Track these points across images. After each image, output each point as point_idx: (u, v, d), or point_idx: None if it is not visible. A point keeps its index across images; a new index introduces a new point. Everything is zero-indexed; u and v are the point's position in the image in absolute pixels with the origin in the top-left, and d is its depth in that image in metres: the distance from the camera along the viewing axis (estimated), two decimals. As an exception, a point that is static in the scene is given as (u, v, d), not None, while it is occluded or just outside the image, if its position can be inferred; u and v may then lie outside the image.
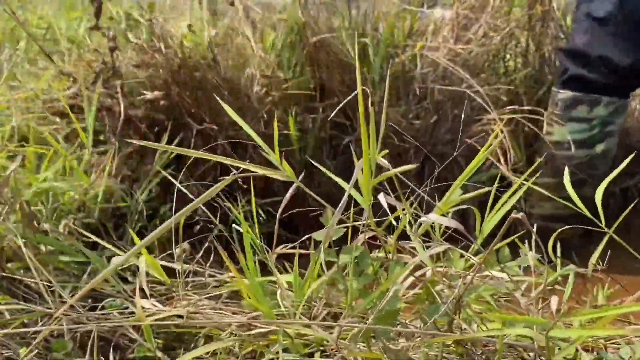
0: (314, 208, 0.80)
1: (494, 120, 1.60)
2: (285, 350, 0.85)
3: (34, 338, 0.95)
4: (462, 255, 0.81)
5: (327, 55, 1.38)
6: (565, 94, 1.53)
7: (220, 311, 0.98)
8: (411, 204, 0.65)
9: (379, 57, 1.45)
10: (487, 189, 0.72)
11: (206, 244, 1.00)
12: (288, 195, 0.80)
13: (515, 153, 1.61)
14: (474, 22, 1.84)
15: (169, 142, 1.27)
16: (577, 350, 0.66)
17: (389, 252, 0.67)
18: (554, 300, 0.56)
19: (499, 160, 1.54)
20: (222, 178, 0.55)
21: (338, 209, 0.57)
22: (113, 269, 0.55)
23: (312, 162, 0.73)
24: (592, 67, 1.49)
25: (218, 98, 0.66)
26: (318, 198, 0.64)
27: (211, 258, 1.04)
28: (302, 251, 0.73)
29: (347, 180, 1.60)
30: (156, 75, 1.28)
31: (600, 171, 1.56)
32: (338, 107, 1.23)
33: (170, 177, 1.07)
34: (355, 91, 0.57)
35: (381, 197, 0.60)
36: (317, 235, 0.64)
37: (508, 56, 1.88)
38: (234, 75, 1.34)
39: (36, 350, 0.88)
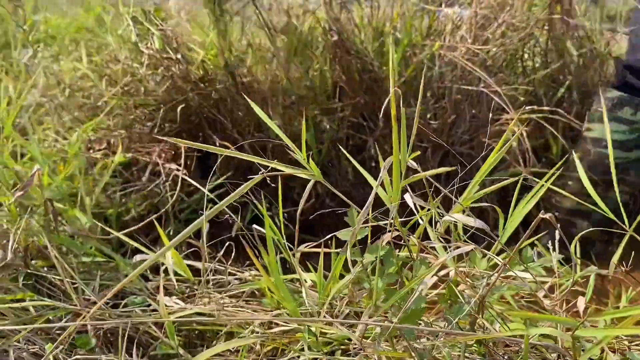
0: (336, 209, 0.81)
1: (512, 120, 1.59)
2: (307, 348, 0.86)
3: (59, 334, 0.96)
4: (484, 255, 0.81)
5: (347, 55, 1.38)
6: (613, 92, 1.54)
7: (241, 309, 0.98)
8: (436, 205, 0.65)
9: (398, 56, 1.45)
10: (510, 180, 0.72)
11: (227, 243, 1.01)
12: (307, 189, 0.80)
13: (553, 147, 1.61)
14: (493, 21, 1.83)
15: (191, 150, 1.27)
16: (602, 351, 0.66)
17: (413, 252, 0.68)
18: (580, 301, 0.56)
19: (517, 161, 1.53)
20: (251, 177, 0.56)
21: (365, 207, 0.58)
22: (142, 269, 0.56)
23: (327, 162, 0.72)
24: None
25: (251, 102, 0.66)
26: (343, 197, 0.64)
27: (232, 257, 1.05)
28: (327, 250, 0.74)
29: (365, 180, 1.59)
30: (175, 86, 1.28)
31: (631, 178, 1.57)
32: (387, 107, 1.21)
33: (190, 180, 1.08)
34: (388, 95, 0.58)
35: (407, 197, 0.60)
36: (343, 234, 0.64)
37: (526, 56, 1.86)
38: (254, 83, 1.34)
39: (62, 346, 0.89)
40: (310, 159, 0.60)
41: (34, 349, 0.90)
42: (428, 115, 1.56)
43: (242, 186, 0.55)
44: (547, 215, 0.55)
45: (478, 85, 1.61)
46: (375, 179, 0.67)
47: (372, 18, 1.50)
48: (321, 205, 1.45)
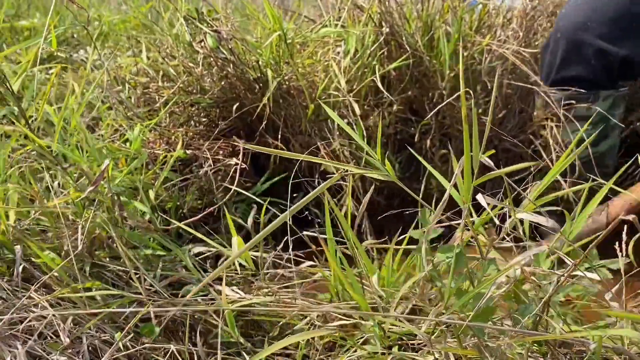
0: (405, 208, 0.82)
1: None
2: (364, 343, 0.87)
3: (124, 323, 1.00)
4: (548, 254, 0.81)
5: (399, 48, 1.38)
6: (560, 93, 1.45)
7: (297, 301, 1.00)
8: (513, 204, 0.65)
9: (449, 50, 1.43)
10: (584, 185, 0.71)
11: (285, 238, 1.03)
12: (370, 191, 0.82)
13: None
14: (542, 13, 1.80)
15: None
16: (677, 355, 0.65)
17: (482, 252, 0.68)
18: (660, 304, 0.56)
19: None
20: (330, 175, 0.57)
21: (439, 207, 0.58)
22: (229, 262, 0.58)
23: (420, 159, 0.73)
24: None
25: (323, 104, 0.68)
26: (417, 197, 0.65)
27: (289, 250, 1.07)
28: (396, 247, 0.75)
29: (414, 175, 1.58)
30: (230, 85, 1.30)
31: (610, 168, 1.50)
32: (437, 102, 1.19)
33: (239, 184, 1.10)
34: (457, 93, 0.58)
35: (480, 197, 0.61)
36: (415, 233, 0.65)
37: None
38: (308, 81, 1.35)
39: (129, 335, 0.93)
40: (386, 159, 0.61)
41: (104, 336, 0.94)
42: (479, 110, 1.55)
43: (320, 186, 0.56)
44: (631, 217, 0.55)
45: (529, 78, 1.59)
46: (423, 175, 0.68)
47: (422, 11, 1.49)
48: (372, 204, 1.45)
